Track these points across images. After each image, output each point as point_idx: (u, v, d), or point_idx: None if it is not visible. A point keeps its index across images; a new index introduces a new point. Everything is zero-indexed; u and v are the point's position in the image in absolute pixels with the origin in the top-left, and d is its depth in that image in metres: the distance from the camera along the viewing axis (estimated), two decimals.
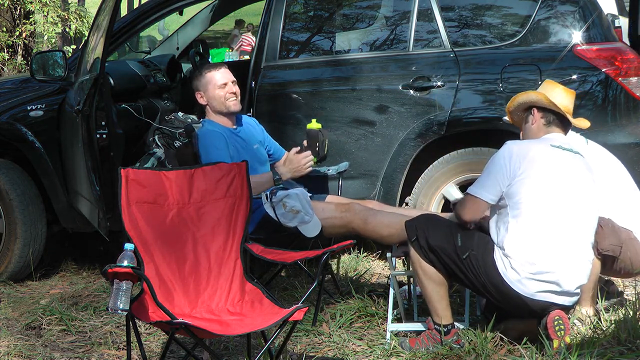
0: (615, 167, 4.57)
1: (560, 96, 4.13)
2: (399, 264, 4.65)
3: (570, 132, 4.51)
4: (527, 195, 3.87)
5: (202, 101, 5.03)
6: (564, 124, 4.12)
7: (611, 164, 4.57)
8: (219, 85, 4.99)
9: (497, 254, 3.90)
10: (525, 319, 4.00)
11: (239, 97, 5.06)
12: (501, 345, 4.00)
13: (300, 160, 4.90)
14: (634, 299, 4.52)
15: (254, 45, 5.83)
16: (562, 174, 3.94)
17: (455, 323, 4.12)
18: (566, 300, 3.92)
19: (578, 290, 3.97)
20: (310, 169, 4.94)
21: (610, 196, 4.47)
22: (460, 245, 3.92)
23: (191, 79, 6.49)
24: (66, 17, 12.15)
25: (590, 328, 4.15)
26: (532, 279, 3.84)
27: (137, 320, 3.58)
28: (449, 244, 3.94)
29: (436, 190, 5.34)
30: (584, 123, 4.23)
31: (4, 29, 11.35)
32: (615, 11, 9.77)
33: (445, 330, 4.03)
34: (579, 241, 3.93)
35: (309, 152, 4.95)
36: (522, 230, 3.86)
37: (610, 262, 4.34)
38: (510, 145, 3.97)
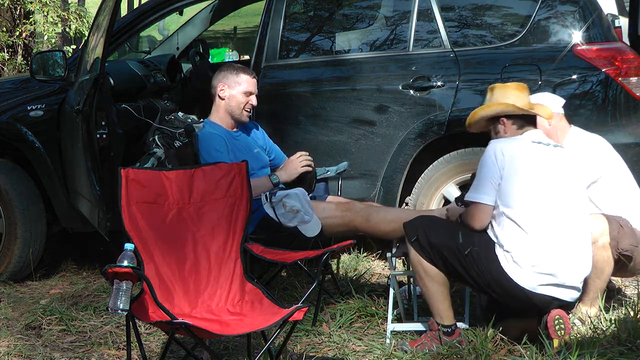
0: (620, 164, 4.59)
1: (518, 97, 4.19)
2: (399, 264, 4.65)
3: (577, 128, 4.54)
4: (517, 191, 3.91)
5: (221, 94, 5.02)
6: (532, 121, 4.19)
7: (616, 159, 4.59)
8: (247, 92, 5.01)
9: (499, 249, 3.91)
10: (525, 318, 4.00)
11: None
12: (501, 345, 4.00)
13: (294, 160, 5.01)
14: (634, 298, 4.53)
15: None
16: (547, 167, 3.98)
17: (456, 322, 4.12)
18: (567, 296, 3.92)
19: (579, 285, 3.97)
20: (305, 169, 4.99)
21: (619, 194, 4.48)
22: (461, 242, 3.93)
23: (195, 73, 6.52)
24: (66, 17, 12.12)
25: (590, 328, 4.15)
26: (534, 272, 3.84)
27: (137, 320, 3.58)
28: (450, 241, 3.94)
29: (436, 190, 5.34)
30: (546, 111, 4.27)
31: (4, 29, 11.34)
32: (615, 11, 9.76)
33: (449, 330, 4.03)
34: (574, 232, 3.95)
35: (304, 153, 5.06)
36: (516, 225, 3.88)
37: (621, 263, 4.35)
38: (494, 144, 4.02)
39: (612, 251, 4.28)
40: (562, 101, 4.66)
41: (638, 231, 4.41)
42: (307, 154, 5.09)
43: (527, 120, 4.15)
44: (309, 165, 5.06)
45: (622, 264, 4.36)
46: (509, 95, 4.17)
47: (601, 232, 4.25)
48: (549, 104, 4.56)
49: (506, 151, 3.96)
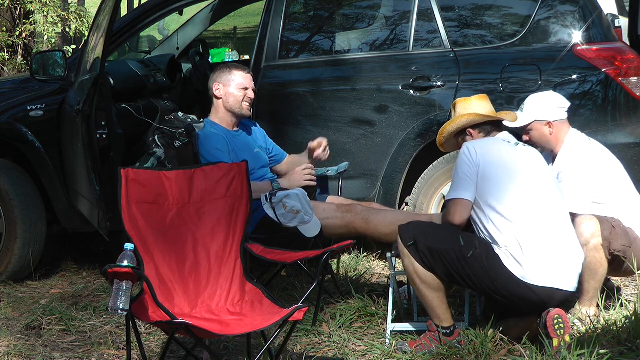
0: (616, 166, 4.59)
1: (481, 106, 4.27)
2: (399, 264, 4.64)
3: (574, 131, 4.56)
4: (496, 184, 3.96)
5: (217, 93, 5.03)
6: (499, 126, 4.28)
7: (612, 163, 4.59)
8: (242, 87, 5.01)
9: (497, 248, 3.92)
10: (525, 317, 4.00)
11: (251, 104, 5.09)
12: (501, 345, 4.00)
13: (298, 172, 5.00)
14: (634, 299, 4.52)
15: None
16: (521, 160, 4.05)
17: (455, 323, 4.12)
18: (569, 285, 3.92)
19: (577, 271, 3.97)
20: (308, 183, 4.99)
21: (614, 195, 4.48)
22: (464, 245, 3.93)
23: (195, 73, 6.52)
24: (66, 17, 12.13)
25: (590, 328, 4.15)
26: (535, 263, 3.85)
27: (137, 320, 3.58)
28: (452, 244, 3.94)
29: (436, 191, 5.34)
30: (511, 116, 4.39)
31: (4, 29, 11.35)
32: (615, 11, 9.77)
33: (448, 332, 4.03)
34: (558, 218, 3.99)
35: (309, 166, 5.05)
36: (503, 218, 3.91)
37: (617, 263, 4.35)
38: (467, 145, 4.09)
39: (605, 252, 4.29)
40: (567, 105, 4.65)
41: (631, 231, 4.40)
42: (312, 167, 5.09)
43: (493, 126, 4.24)
44: (311, 180, 5.06)
45: (618, 263, 4.37)
46: (471, 107, 4.25)
47: (592, 234, 4.26)
48: (546, 114, 4.57)
49: (479, 149, 4.02)
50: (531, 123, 4.61)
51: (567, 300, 4.01)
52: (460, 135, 4.28)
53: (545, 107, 4.60)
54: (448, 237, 3.98)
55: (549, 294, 3.88)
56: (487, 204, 3.95)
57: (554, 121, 4.58)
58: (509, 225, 3.90)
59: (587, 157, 4.52)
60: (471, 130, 4.24)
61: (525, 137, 4.64)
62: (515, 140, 4.17)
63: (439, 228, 4.08)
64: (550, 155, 4.67)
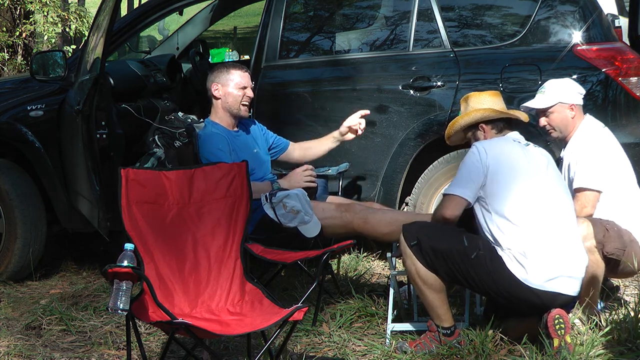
0: (623, 161, 4.58)
1: (494, 102, 4.25)
2: (399, 264, 4.64)
3: (589, 117, 4.59)
4: (504, 188, 3.94)
5: (216, 93, 5.03)
6: (510, 124, 4.25)
7: (620, 156, 4.58)
8: (240, 86, 5.00)
9: (500, 250, 3.92)
10: (526, 318, 4.00)
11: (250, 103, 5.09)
12: (501, 345, 4.00)
13: (298, 173, 4.99)
14: (634, 299, 4.52)
15: None
16: (530, 163, 4.03)
17: (456, 323, 4.12)
18: (571, 289, 3.92)
19: (580, 276, 3.96)
20: (308, 184, 4.98)
21: (614, 193, 4.47)
22: (467, 246, 3.92)
23: (195, 73, 6.53)
24: (66, 17, 12.13)
25: (590, 328, 4.15)
26: (538, 267, 3.85)
27: (137, 320, 3.58)
28: (456, 245, 3.93)
29: (436, 191, 5.34)
30: (524, 116, 4.36)
31: (4, 29, 11.35)
32: (615, 11, 9.76)
33: (448, 332, 4.03)
34: (564, 223, 3.98)
35: (309, 167, 5.04)
36: (508, 221, 3.90)
37: (612, 265, 4.35)
38: (477, 145, 4.07)
39: (600, 254, 4.28)
40: (584, 92, 4.65)
41: (628, 233, 4.39)
42: (312, 168, 5.08)
43: (505, 123, 4.22)
44: (312, 181, 5.05)
45: (614, 265, 4.36)
46: (484, 102, 4.24)
47: (585, 236, 4.25)
48: (569, 96, 4.56)
49: (490, 151, 4.00)
50: (554, 105, 4.58)
51: (569, 303, 4.00)
52: (471, 129, 4.26)
53: (568, 90, 4.58)
54: (452, 237, 3.97)
55: (551, 298, 3.88)
56: (493, 206, 3.94)
57: (577, 104, 4.57)
58: (514, 228, 3.89)
59: (599, 140, 4.52)
60: (484, 126, 4.22)
61: (544, 121, 4.61)
62: (525, 141, 4.15)
63: (443, 229, 4.07)
64: (561, 144, 4.67)
